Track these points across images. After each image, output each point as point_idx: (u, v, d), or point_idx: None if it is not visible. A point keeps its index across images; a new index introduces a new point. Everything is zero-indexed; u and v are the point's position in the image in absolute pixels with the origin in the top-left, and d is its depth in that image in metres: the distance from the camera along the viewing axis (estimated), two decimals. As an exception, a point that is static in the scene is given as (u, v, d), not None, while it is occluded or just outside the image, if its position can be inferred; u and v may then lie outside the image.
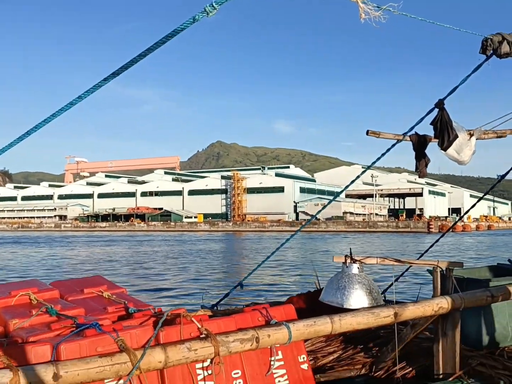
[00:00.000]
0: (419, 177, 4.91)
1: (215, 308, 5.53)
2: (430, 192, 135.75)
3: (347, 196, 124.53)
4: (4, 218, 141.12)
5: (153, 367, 3.03)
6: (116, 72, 2.72)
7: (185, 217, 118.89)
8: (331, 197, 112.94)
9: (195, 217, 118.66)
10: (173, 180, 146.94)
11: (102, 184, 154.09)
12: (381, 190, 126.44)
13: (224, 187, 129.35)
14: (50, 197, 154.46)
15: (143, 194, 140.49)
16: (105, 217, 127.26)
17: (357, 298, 4.28)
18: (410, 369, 4.37)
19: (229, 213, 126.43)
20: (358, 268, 4.48)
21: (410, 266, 6.06)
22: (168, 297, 14.48)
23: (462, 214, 6.83)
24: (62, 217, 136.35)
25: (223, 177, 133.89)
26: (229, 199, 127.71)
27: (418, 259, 5.81)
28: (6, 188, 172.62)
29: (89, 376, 2.82)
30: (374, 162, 5.03)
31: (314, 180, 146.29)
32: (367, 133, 4.73)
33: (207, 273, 21.86)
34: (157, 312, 3.72)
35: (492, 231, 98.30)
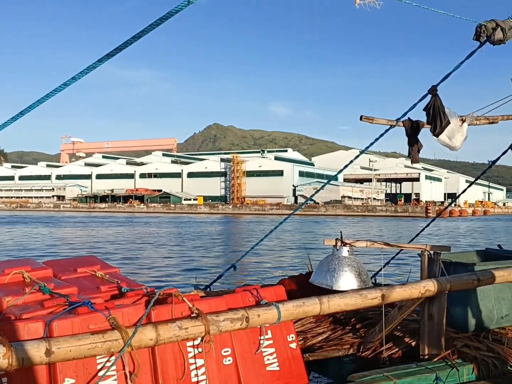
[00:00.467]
0: (411, 163, 4.97)
1: (208, 289, 5.61)
2: (427, 177, 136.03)
3: (345, 180, 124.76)
4: (1, 197, 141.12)
5: (144, 344, 3.11)
6: (110, 53, 2.75)
7: (184, 199, 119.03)
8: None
9: (194, 199, 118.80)
10: (172, 162, 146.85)
11: (100, 165, 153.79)
12: (379, 175, 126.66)
13: (223, 170, 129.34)
14: (48, 177, 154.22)
15: (142, 175, 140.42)
16: (103, 198, 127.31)
17: (346, 280, 4.36)
18: (397, 349, 4.47)
19: (228, 195, 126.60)
20: (348, 251, 4.56)
21: (401, 250, 6.15)
22: (161, 278, 14.62)
23: (454, 199, 6.89)
24: (60, 198, 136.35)
25: (222, 160, 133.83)
26: (228, 182, 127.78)
27: (409, 243, 5.89)
28: (3, 167, 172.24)
29: (81, 353, 2.90)
30: (367, 147, 5.07)
31: (312, 164, 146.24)
32: (361, 118, 4.77)
33: (202, 255, 22.02)
34: (150, 292, 3.79)
35: (488, 216, 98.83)
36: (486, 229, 50.09)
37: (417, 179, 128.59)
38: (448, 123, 4.59)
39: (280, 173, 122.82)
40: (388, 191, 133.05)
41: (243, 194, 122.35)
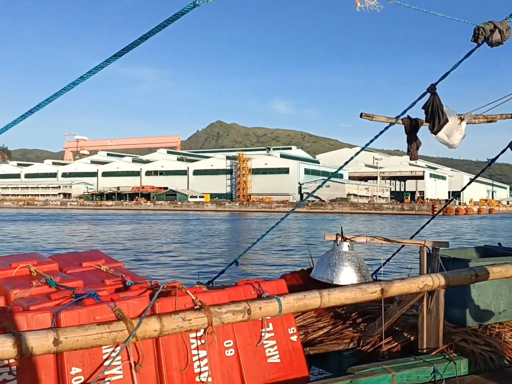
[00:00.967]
0: (410, 159, 5.05)
1: (210, 284, 5.71)
2: (431, 175, 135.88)
3: (349, 178, 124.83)
4: (8, 195, 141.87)
5: (149, 335, 3.21)
6: (118, 53, 2.84)
7: (190, 197, 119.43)
8: (335, 179, 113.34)
9: (200, 197, 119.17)
10: (178, 159, 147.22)
11: (106, 163, 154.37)
12: (383, 173, 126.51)
13: (229, 168, 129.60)
14: (54, 175, 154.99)
15: (148, 173, 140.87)
16: (109, 196, 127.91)
17: (346, 274, 4.45)
18: (396, 343, 4.56)
19: (234, 193, 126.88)
20: (348, 246, 4.65)
21: (402, 246, 6.23)
22: (165, 274, 14.76)
23: (454, 196, 6.94)
24: (67, 195, 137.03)
25: (228, 158, 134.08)
26: (234, 180, 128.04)
27: (410, 239, 5.97)
28: (10, 165, 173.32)
29: (88, 342, 3.00)
30: (367, 144, 5.16)
31: (318, 162, 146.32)
32: (361, 115, 4.85)
33: (206, 251, 22.17)
34: (154, 285, 3.89)
35: (493, 214, 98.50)
36: (492, 227, 50.00)
37: (422, 177, 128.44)
38: (446, 121, 4.67)
39: (285, 170, 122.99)
40: (393, 189, 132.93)
41: (249, 191, 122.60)
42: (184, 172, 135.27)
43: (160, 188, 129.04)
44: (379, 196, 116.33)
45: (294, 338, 3.99)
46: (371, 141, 5.06)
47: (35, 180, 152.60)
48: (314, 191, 6.32)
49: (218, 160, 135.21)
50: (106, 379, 3.16)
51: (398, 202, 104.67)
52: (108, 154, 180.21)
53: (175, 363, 3.43)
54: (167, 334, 3.28)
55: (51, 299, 3.53)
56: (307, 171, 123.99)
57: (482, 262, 4.68)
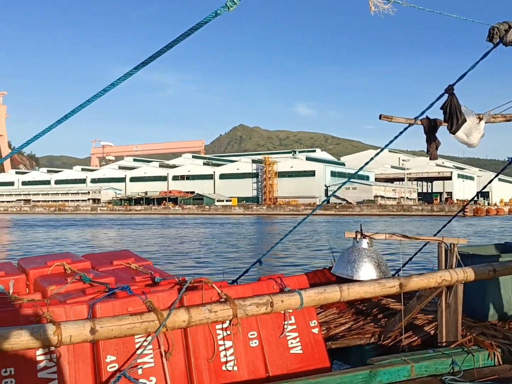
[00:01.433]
0: (430, 159, 5.16)
1: (235, 283, 5.91)
2: (459, 176, 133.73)
3: (375, 180, 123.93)
4: (39, 201, 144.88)
5: (178, 325, 3.43)
6: (145, 61, 3.01)
7: (217, 201, 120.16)
8: (361, 181, 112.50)
9: (227, 201, 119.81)
10: (204, 164, 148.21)
11: (133, 168, 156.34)
12: (410, 174, 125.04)
13: (255, 171, 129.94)
14: (83, 181, 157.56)
15: (175, 178, 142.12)
16: (137, 201, 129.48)
17: (366, 270, 4.60)
18: (416, 338, 4.68)
19: (260, 196, 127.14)
20: (367, 243, 4.80)
21: (426, 244, 6.34)
22: (191, 272, 15.06)
23: (476, 195, 6.96)
24: (96, 201, 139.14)
25: (253, 161, 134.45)
26: (260, 183, 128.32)
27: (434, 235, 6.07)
28: (40, 172, 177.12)
29: (121, 332, 3.23)
30: (387, 145, 5.29)
31: (343, 164, 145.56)
32: (380, 117, 4.99)
33: (232, 252, 22.45)
34: (181, 281, 4.11)
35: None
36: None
37: (449, 178, 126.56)
38: (464, 120, 4.78)
39: (312, 173, 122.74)
40: (419, 190, 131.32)
41: (275, 195, 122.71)
42: (210, 176, 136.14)
43: (187, 192, 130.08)
44: (407, 198, 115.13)
45: (315, 330, 4.16)
46: (391, 142, 5.18)
47: (64, 186, 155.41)
48: (336, 190, 6.47)
49: (244, 164, 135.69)
50: (138, 367, 3.38)
51: (426, 204, 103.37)
52: (134, 160, 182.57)
53: (203, 352, 3.64)
54: (195, 325, 3.49)
55: (85, 293, 3.77)
56: (333, 174, 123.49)
57: (501, 258, 4.77)
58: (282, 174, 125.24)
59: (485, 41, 4.57)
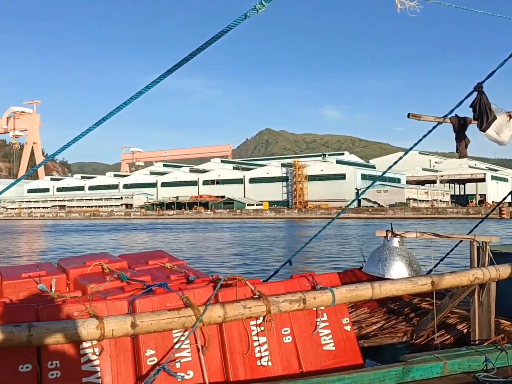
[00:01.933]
0: (459, 158, 5.17)
1: (267, 282, 6.00)
2: (493, 177, 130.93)
3: (407, 182, 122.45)
4: (73, 207, 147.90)
5: (214, 321, 3.54)
6: (177, 64, 3.05)
7: (248, 205, 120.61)
8: (392, 184, 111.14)
9: (257, 205, 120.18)
10: (234, 168, 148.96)
11: (163, 174, 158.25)
12: (442, 176, 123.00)
13: (285, 175, 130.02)
14: (115, 187, 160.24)
15: (205, 182, 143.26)
16: (169, 205, 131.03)
17: (397, 269, 4.63)
18: (449, 336, 4.69)
19: (290, 200, 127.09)
20: (398, 241, 4.83)
21: (460, 242, 6.30)
22: (223, 273, 15.24)
23: (505, 196, 6.82)
24: (128, 206, 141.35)
25: (283, 165, 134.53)
26: (290, 187, 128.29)
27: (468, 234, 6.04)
28: (74, 178, 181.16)
29: (160, 326, 3.37)
30: (415, 144, 5.29)
31: (373, 167, 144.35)
32: (408, 116, 5.02)
33: (263, 254, 22.55)
34: (215, 279, 4.23)
35: None
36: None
37: (483, 180, 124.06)
38: (495, 118, 4.78)
39: (342, 176, 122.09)
40: (452, 193, 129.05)
41: (305, 198, 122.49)
42: (240, 181, 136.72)
43: (218, 197, 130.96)
44: (440, 200, 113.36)
45: (348, 328, 4.22)
46: (420, 140, 5.19)
47: (98, 192, 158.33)
48: (364, 191, 6.49)
49: (273, 168, 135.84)
50: (176, 361, 3.51)
51: (460, 206, 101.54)
52: (164, 165, 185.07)
53: (238, 347, 3.74)
54: (230, 320, 3.60)
55: (124, 290, 3.93)
56: (363, 177, 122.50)
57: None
58: (312, 178, 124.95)
59: (515, 39, 4.58)
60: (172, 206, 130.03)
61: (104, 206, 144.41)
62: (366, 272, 4.89)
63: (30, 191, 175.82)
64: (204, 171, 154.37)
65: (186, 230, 53.08)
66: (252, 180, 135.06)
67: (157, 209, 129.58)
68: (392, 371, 3.83)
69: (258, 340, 3.81)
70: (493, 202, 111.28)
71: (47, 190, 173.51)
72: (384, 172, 5.77)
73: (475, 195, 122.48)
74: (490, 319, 4.44)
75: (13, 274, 4.42)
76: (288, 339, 3.95)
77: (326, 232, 42.90)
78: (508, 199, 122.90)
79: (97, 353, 3.37)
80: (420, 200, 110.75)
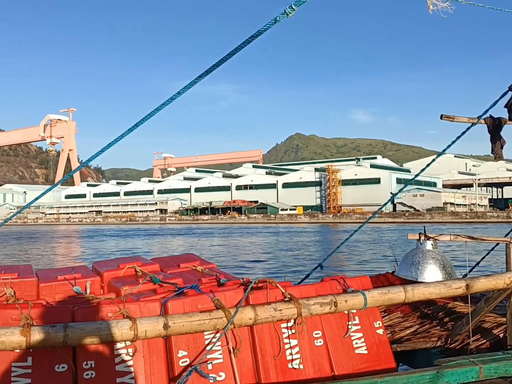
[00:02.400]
0: (495, 159, 5.06)
1: (298, 286, 5.99)
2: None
3: (443, 186, 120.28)
4: (109, 212, 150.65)
5: (245, 323, 3.56)
6: (209, 69, 3.09)
7: (281, 210, 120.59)
8: (429, 188, 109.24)
9: (290, 209, 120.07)
10: (267, 173, 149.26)
11: (196, 179, 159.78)
12: (479, 180, 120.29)
13: (318, 180, 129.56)
14: (150, 192, 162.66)
15: (238, 187, 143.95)
16: (203, 210, 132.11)
17: (431, 272, 4.56)
18: (484, 341, 4.58)
19: (323, 205, 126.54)
20: (431, 244, 4.76)
21: (497, 245, 6.17)
22: (254, 277, 15.31)
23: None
24: (163, 211, 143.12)
25: (316, 170, 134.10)
26: (323, 191, 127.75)
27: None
28: (110, 184, 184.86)
29: (192, 328, 3.41)
30: (449, 146, 5.22)
31: (408, 171, 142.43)
32: (441, 117, 4.94)
33: (294, 258, 22.49)
34: (246, 281, 4.25)
35: None
36: None
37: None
38: (531, 118, 4.67)
39: (377, 181, 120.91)
40: (489, 197, 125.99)
41: (339, 203, 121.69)
42: (273, 186, 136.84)
43: (251, 201, 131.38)
44: (478, 204, 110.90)
45: (380, 331, 4.18)
46: (453, 142, 5.12)
47: (133, 197, 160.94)
48: (396, 194, 6.43)
49: (307, 173, 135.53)
50: (208, 362, 3.54)
51: (499, 210, 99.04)
52: (196, 170, 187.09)
53: (269, 350, 3.75)
54: (261, 322, 3.62)
55: (157, 293, 3.99)
56: (399, 181, 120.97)
57: None
58: (346, 182, 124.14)
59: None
60: (206, 211, 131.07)
61: (139, 211, 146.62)
62: (398, 275, 4.83)
63: (67, 196, 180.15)
64: (236, 176, 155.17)
65: (221, 235, 53.42)
66: (285, 185, 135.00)
67: (191, 214, 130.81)
68: (426, 375, 3.77)
69: (289, 343, 3.81)
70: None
71: (83, 196, 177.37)
72: (417, 174, 5.69)
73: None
74: (527, 324, 4.33)
75: (50, 276, 4.54)
76: (320, 342, 3.94)
77: (360, 237, 42.52)
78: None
79: (131, 354, 3.43)
80: (457, 204, 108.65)
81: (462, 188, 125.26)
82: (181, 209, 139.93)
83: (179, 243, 39.96)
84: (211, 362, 3.55)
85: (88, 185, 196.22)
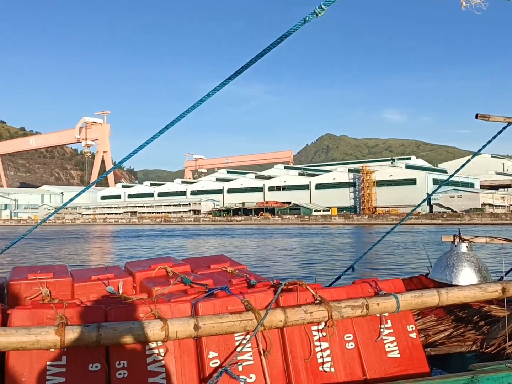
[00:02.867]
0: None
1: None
2: None
3: (480, 187, 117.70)
4: (144, 213, 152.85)
5: (275, 325, 3.56)
6: (239, 70, 3.10)
7: (314, 211, 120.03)
8: (467, 189, 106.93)
9: (324, 210, 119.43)
10: (299, 174, 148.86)
11: (228, 180, 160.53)
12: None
13: (351, 180, 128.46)
14: (183, 193, 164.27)
15: (271, 188, 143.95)
16: (235, 211, 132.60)
17: (466, 275, 4.46)
18: (522, 345, 4.46)
19: (358, 206, 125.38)
20: (466, 247, 4.65)
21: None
22: (285, 279, 15.30)
23: None
24: (196, 212, 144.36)
25: (350, 170, 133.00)
26: (357, 192, 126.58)
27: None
28: (144, 185, 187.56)
29: (222, 329, 3.42)
30: (484, 146, 5.09)
31: (445, 171, 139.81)
32: (476, 116, 4.83)
33: (326, 260, 22.34)
34: (276, 283, 4.24)
35: None
36: None
37: None
38: None
39: (412, 181, 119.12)
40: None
41: (374, 204, 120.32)
42: (306, 187, 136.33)
43: (283, 203, 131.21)
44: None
45: (413, 335, 4.11)
46: (489, 142, 4.99)
47: (167, 198, 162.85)
48: (431, 195, 6.29)
49: (340, 173, 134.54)
50: (238, 363, 3.54)
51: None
52: (228, 172, 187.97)
53: (300, 352, 3.73)
54: (291, 325, 3.60)
55: (187, 293, 4.02)
56: (435, 181, 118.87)
57: None
58: (381, 183, 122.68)
59: None
60: (239, 212, 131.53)
61: (173, 212, 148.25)
62: (432, 278, 4.75)
63: (103, 197, 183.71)
64: (269, 177, 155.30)
65: (254, 236, 53.52)
66: (318, 186, 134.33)
67: (224, 215, 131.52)
68: (460, 380, 3.69)
69: (320, 346, 3.79)
70: None
71: (118, 196, 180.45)
72: (452, 175, 5.57)
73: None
74: None
75: (84, 276, 4.63)
76: (351, 345, 3.90)
77: (394, 238, 41.97)
78: None
79: (162, 354, 3.46)
80: (495, 206, 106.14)
81: (500, 189, 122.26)
82: (214, 210, 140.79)
83: (212, 244, 40.22)
84: (242, 364, 3.55)
85: (122, 186, 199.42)
